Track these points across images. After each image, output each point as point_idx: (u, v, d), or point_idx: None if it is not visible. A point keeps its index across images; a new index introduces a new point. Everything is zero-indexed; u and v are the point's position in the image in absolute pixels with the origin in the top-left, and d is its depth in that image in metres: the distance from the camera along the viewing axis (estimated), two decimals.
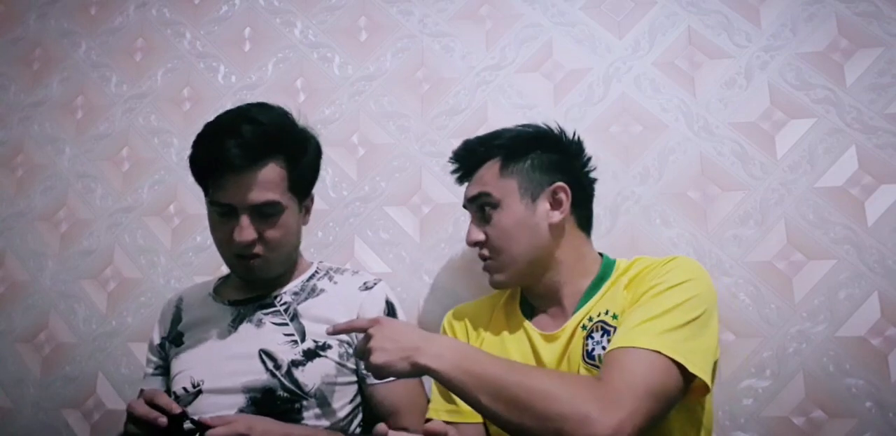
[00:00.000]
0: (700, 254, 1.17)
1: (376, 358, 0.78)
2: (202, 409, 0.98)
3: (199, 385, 0.99)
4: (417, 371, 0.78)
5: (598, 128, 1.25)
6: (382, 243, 1.29)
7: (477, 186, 1.01)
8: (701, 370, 0.76)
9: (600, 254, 1.02)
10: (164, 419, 0.83)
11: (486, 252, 0.99)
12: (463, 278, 1.24)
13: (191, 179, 1.37)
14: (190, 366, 1.02)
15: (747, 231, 1.17)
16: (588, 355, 0.87)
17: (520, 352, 0.96)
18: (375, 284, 1.08)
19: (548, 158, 0.99)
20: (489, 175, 1.00)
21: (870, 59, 1.21)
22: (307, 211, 1.09)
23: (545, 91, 1.31)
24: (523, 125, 1.04)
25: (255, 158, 0.96)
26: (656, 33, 1.30)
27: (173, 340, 1.08)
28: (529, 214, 0.96)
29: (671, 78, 1.27)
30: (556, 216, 0.96)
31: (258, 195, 0.96)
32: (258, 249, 0.99)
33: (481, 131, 1.29)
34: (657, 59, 1.29)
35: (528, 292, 1.03)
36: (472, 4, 1.38)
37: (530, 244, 0.96)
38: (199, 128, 1.44)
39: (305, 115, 1.13)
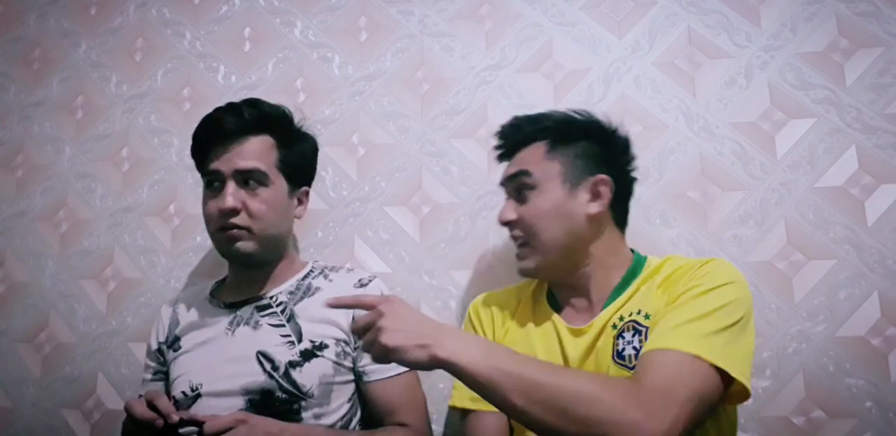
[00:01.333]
0: (700, 254, 1.17)
1: (388, 339, 0.71)
2: (201, 412, 0.97)
3: (197, 389, 1.00)
4: (435, 364, 0.70)
5: None
6: (382, 243, 1.29)
7: (518, 164, 0.99)
8: (741, 375, 0.75)
9: (631, 250, 1.01)
10: (161, 421, 0.83)
11: (518, 233, 0.97)
12: (464, 279, 1.24)
13: (191, 179, 1.39)
14: (188, 370, 1.02)
15: (747, 231, 1.17)
16: (618, 355, 0.86)
17: (545, 344, 0.95)
18: (371, 280, 1.08)
19: (595, 149, 0.98)
20: (533, 155, 0.98)
21: (870, 59, 1.21)
22: (300, 203, 1.12)
23: (545, 91, 1.31)
24: (575, 111, 1.03)
25: (245, 129, 1.04)
26: (656, 33, 1.30)
27: (170, 344, 1.08)
28: (568, 201, 0.94)
29: (671, 78, 1.27)
30: (594, 207, 0.95)
31: (244, 162, 1.02)
32: (241, 219, 1.01)
33: (481, 131, 1.30)
34: (657, 59, 1.29)
35: (556, 285, 1.02)
36: (472, 4, 1.38)
37: (564, 230, 0.93)
38: None
39: (305, 115, 1.15)
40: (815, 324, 1.11)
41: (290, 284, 1.09)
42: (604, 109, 1.27)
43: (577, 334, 0.94)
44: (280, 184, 1.06)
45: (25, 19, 1.60)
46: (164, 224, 1.38)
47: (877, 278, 1.12)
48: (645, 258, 0.98)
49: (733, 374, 0.74)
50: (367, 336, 0.74)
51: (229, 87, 1.44)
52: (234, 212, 1.01)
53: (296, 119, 1.12)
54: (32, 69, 1.56)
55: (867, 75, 1.21)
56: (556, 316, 0.98)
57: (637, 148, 1.23)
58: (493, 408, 0.97)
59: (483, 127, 1.31)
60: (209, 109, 1.40)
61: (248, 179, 1.02)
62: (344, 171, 1.34)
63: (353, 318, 1.03)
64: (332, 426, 0.99)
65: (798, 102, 1.22)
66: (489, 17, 1.37)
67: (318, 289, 1.08)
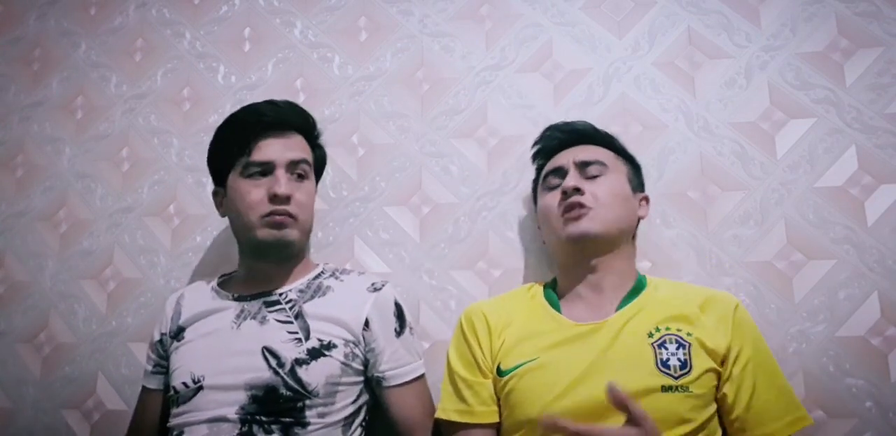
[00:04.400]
0: (700, 254, 1.17)
1: None
2: (202, 405, 0.98)
3: (199, 381, 0.99)
4: None
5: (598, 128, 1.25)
6: (382, 243, 1.29)
7: (593, 154, 1.07)
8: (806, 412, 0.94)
9: None
10: None
11: (584, 200, 1.00)
12: (464, 279, 1.24)
13: (191, 179, 1.39)
14: (190, 361, 1.02)
15: (747, 231, 1.17)
16: (663, 364, 0.90)
17: (552, 345, 0.95)
18: (383, 285, 1.08)
19: (639, 175, 1.13)
20: (605, 154, 1.08)
21: (870, 59, 1.21)
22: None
23: (545, 91, 1.31)
24: None
25: (288, 124, 1.10)
26: (656, 33, 1.30)
27: (174, 335, 1.08)
28: (631, 197, 1.06)
29: (671, 78, 1.27)
30: (644, 211, 1.09)
31: (295, 153, 1.07)
32: (292, 208, 1.04)
33: (481, 131, 1.30)
34: (657, 59, 1.29)
35: (573, 275, 1.04)
36: (472, 4, 1.38)
37: (625, 216, 1.02)
38: (199, 128, 1.46)
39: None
40: (815, 324, 1.11)
41: (301, 282, 1.09)
42: (604, 109, 1.28)
43: (593, 330, 0.95)
44: (313, 180, 1.13)
45: (25, 19, 1.60)
46: (164, 224, 1.38)
47: (877, 278, 1.12)
48: (644, 276, 1.05)
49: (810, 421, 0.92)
50: None
51: (229, 88, 1.44)
52: (288, 199, 1.03)
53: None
54: (32, 69, 1.56)
55: (867, 75, 1.21)
56: (561, 316, 0.99)
57: (637, 148, 1.24)
58: (480, 420, 0.97)
59: (483, 127, 1.31)
60: (209, 110, 1.43)
61: (297, 170, 1.07)
62: (344, 171, 1.34)
63: (365, 320, 1.03)
64: (333, 425, 0.99)
65: (798, 102, 1.22)
66: (489, 17, 1.37)
67: (329, 288, 1.07)
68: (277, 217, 1.03)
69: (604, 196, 1.00)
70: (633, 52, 1.30)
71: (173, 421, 1.01)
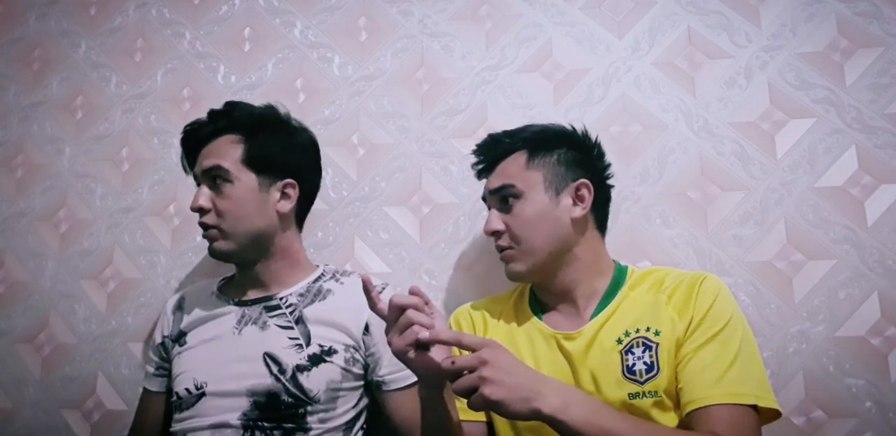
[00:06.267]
0: (700, 254, 1.17)
1: (492, 392, 0.69)
2: (205, 411, 0.98)
3: (202, 387, 0.99)
4: (537, 418, 0.70)
5: (598, 128, 1.25)
6: (382, 243, 1.29)
7: (501, 177, 1.01)
8: (776, 404, 0.84)
9: (613, 260, 1.03)
10: None
11: (504, 242, 0.98)
12: (464, 279, 1.24)
13: (191, 179, 1.38)
14: (193, 367, 1.02)
15: (747, 231, 1.17)
16: (629, 370, 0.88)
17: (531, 349, 0.96)
18: (384, 288, 1.07)
19: (573, 156, 1.01)
20: (514, 167, 1.00)
21: (870, 59, 1.21)
22: (284, 197, 1.08)
23: (545, 91, 1.31)
24: (548, 124, 1.06)
25: (214, 132, 1.08)
26: (656, 33, 1.30)
27: (175, 338, 1.08)
28: (552, 206, 0.97)
29: (671, 78, 1.27)
30: (578, 211, 0.97)
31: (208, 161, 1.05)
32: (210, 218, 1.03)
33: (481, 131, 1.30)
34: (657, 59, 1.29)
35: (541, 289, 1.02)
36: (472, 4, 1.38)
37: (551, 235, 0.96)
38: None
39: (305, 114, 1.14)
40: (815, 324, 1.11)
41: (300, 286, 1.08)
42: (603, 109, 1.28)
43: (567, 338, 0.94)
44: (247, 179, 1.04)
45: (25, 19, 1.60)
46: (164, 224, 1.38)
47: (877, 278, 1.12)
48: (626, 268, 1.01)
49: (778, 408, 0.84)
50: (464, 381, 0.72)
51: (229, 88, 1.44)
52: (202, 211, 1.03)
53: (282, 112, 1.13)
54: (32, 69, 1.56)
55: (867, 75, 1.21)
56: (541, 323, 0.99)
57: (637, 148, 1.25)
58: (473, 417, 0.97)
59: (483, 127, 1.30)
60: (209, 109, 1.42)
61: (214, 177, 1.04)
62: (344, 171, 1.34)
63: (365, 324, 1.02)
64: (334, 430, 0.99)
65: (798, 102, 1.22)
66: (489, 17, 1.37)
67: (329, 291, 1.07)
68: (205, 232, 1.04)
69: (521, 230, 0.96)
70: (632, 52, 1.30)
71: (176, 426, 1.01)
